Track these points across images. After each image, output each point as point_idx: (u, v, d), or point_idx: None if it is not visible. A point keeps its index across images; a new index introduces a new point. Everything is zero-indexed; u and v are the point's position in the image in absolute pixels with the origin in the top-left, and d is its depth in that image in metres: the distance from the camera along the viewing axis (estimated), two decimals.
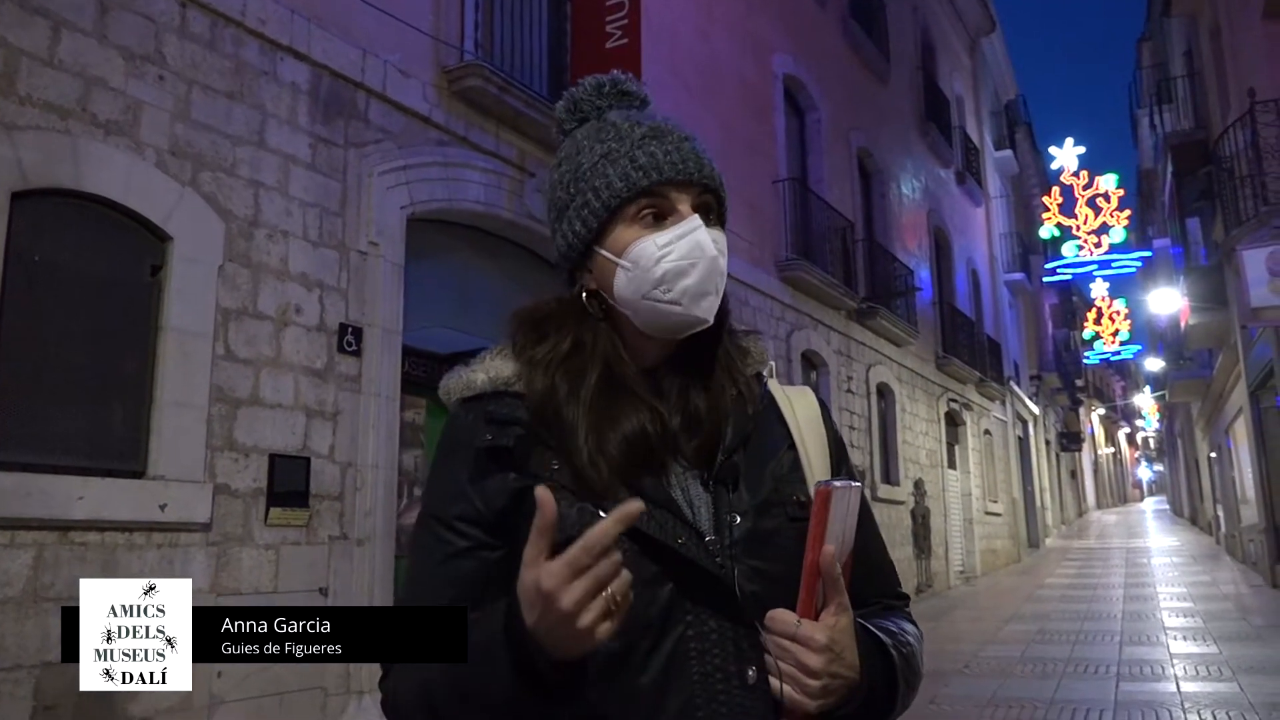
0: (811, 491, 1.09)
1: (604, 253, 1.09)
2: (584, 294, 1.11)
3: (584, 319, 1.10)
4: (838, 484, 0.99)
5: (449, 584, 1.04)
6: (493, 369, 1.10)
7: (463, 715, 0.95)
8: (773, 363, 1.24)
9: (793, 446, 1.14)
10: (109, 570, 4.25)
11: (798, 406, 1.19)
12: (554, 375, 1.07)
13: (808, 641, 0.95)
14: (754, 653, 0.99)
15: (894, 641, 1.05)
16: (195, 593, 4.53)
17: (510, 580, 0.94)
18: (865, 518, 1.12)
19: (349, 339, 5.61)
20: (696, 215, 1.07)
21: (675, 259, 1.05)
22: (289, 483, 5.14)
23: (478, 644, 0.92)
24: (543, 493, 0.86)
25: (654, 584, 0.99)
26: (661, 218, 1.08)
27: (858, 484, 1.05)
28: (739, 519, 1.04)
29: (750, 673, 0.99)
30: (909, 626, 1.13)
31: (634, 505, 0.86)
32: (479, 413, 1.07)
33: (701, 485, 1.06)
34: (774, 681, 0.96)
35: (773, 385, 1.20)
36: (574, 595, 0.84)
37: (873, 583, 1.16)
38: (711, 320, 1.07)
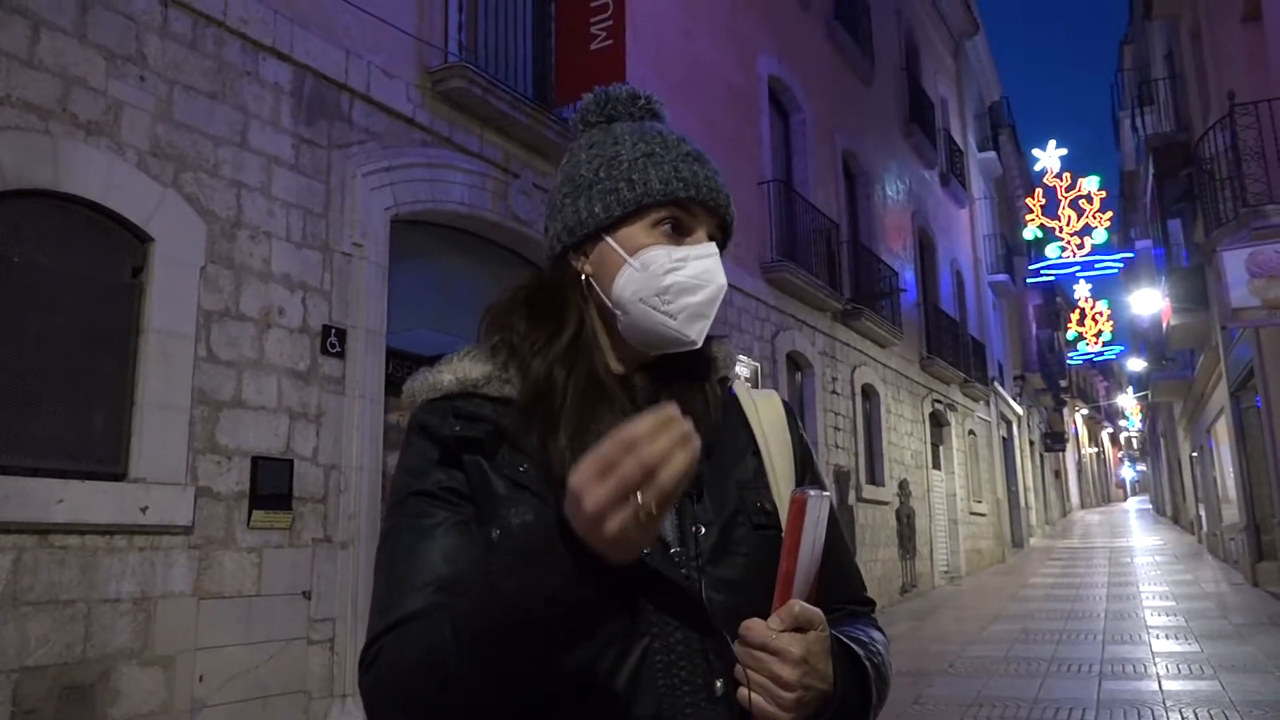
0: (776, 499, 1.10)
1: (613, 244, 1.08)
2: (582, 277, 1.11)
3: (580, 305, 1.10)
4: (812, 493, 0.98)
5: (446, 553, 0.99)
6: (460, 370, 1.08)
7: (488, 654, 0.86)
8: (740, 367, 1.25)
9: (756, 453, 1.13)
10: (89, 573, 4.22)
11: (763, 411, 1.18)
12: (552, 365, 1.06)
13: (782, 653, 0.93)
14: (721, 664, 0.98)
15: (866, 652, 1.04)
16: (177, 596, 4.53)
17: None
18: (830, 523, 1.11)
19: (332, 341, 5.59)
20: (713, 244, 1.09)
21: (686, 275, 1.06)
22: (272, 485, 5.11)
23: (534, 545, 0.85)
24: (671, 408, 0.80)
25: (619, 595, 0.97)
26: (679, 233, 1.09)
27: (828, 493, 1.04)
28: (704, 529, 1.03)
29: (717, 684, 0.98)
30: (877, 634, 1.12)
31: (672, 406, 0.80)
32: (446, 409, 1.05)
33: None
34: (744, 693, 0.94)
35: (739, 388, 1.20)
36: (597, 497, 0.78)
37: (838, 588, 1.15)
38: (700, 343, 1.08)
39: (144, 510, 4.45)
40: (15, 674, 3.91)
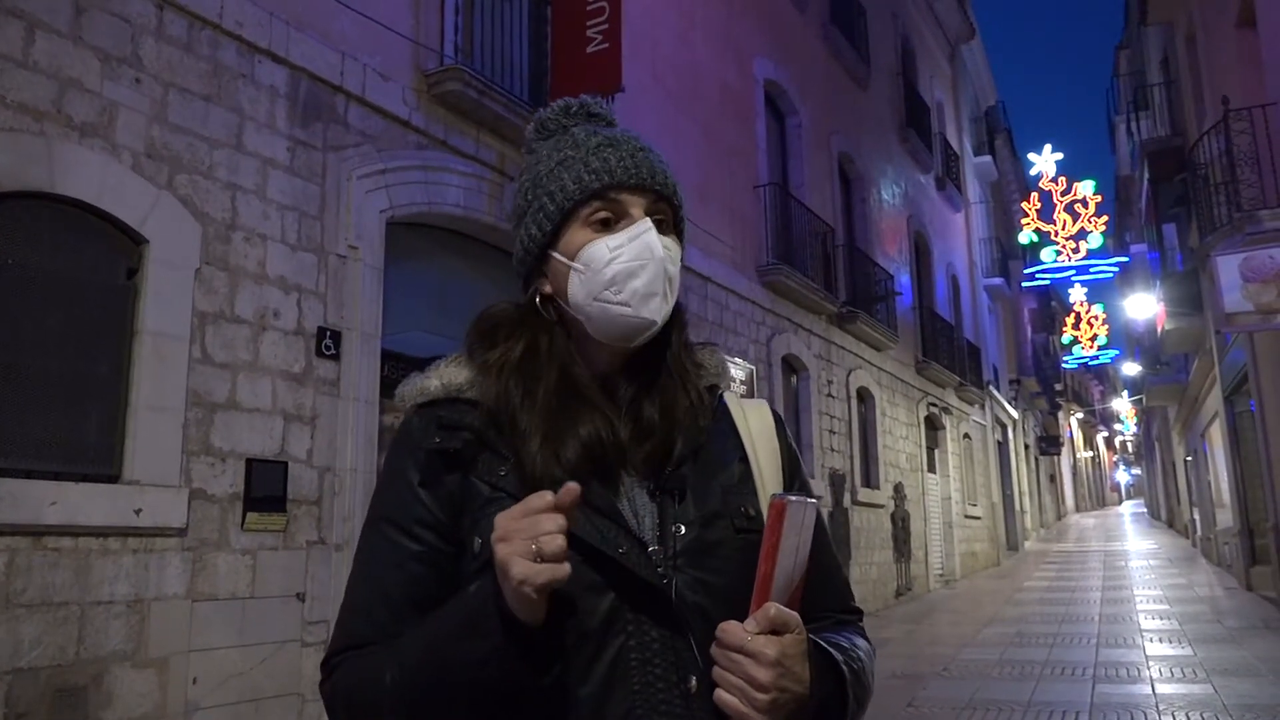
0: (762, 504, 1.10)
1: (558, 256, 1.11)
2: (537, 298, 1.13)
3: (538, 323, 1.12)
4: (793, 498, 0.98)
5: (403, 586, 1.04)
6: (446, 375, 1.11)
7: (442, 692, 0.94)
8: (735, 375, 1.26)
9: (744, 459, 1.15)
10: (83, 576, 4.21)
11: (752, 420, 1.20)
12: (507, 380, 1.08)
13: (757, 655, 0.94)
14: (695, 663, 0.99)
15: (845, 657, 1.04)
16: (170, 598, 4.52)
17: (461, 579, 0.99)
18: (819, 532, 1.12)
19: (327, 343, 5.58)
20: (648, 219, 1.09)
21: (625, 260, 1.07)
22: (266, 487, 5.11)
23: (471, 611, 0.93)
24: (572, 485, 0.90)
25: (595, 593, 0.99)
26: (614, 222, 1.09)
27: (814, 500, 1.05)
28: (684, 529, 1.04)
29: (691, 682, 0.99)
30: (861, 642, 1.13)
31: (574, 486, 0.89)
32: (430, 417, 1.08)
33: (649, 495, 1.06)
34: (720, 694, 0.95)
35: (729, 397, 1.21)
36: (506, 548, 0.88)
37: (825, 597, 1.16)
38: (660, 322, 1.08)
39: (138, 512, 4.45)
40: (8, 676, 3.90)
